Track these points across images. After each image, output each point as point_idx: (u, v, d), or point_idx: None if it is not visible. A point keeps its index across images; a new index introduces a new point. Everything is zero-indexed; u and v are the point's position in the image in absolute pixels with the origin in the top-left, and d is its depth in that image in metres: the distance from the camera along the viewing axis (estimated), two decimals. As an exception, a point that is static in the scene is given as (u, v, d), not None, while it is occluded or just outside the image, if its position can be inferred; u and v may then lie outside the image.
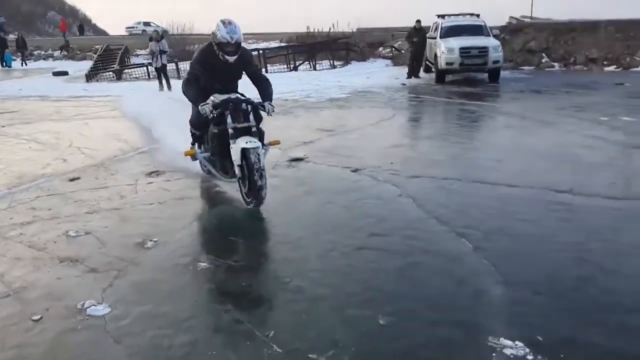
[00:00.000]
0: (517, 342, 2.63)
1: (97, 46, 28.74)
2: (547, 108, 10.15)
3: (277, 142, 5.09)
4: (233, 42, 4.57)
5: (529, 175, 5.52)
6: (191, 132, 5.36)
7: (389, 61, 21.38)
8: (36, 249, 3.95)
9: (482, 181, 5.40)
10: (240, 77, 4.96)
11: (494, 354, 2.56)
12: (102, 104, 12.54)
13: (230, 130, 4.50)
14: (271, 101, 4.78)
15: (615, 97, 11.36)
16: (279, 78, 17.23)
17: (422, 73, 16.96)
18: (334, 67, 20.63)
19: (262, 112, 4.75)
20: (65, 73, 22.73)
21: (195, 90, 4.70)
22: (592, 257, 3.61)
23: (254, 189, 4.41)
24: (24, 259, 3.80)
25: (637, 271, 3.41)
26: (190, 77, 4.79)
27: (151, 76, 19.41)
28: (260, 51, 20.21)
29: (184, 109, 9.70)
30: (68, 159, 6.91)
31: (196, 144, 5.38)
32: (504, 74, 15.41)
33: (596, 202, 4.70)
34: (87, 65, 24.23)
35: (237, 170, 4.52)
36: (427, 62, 16.91)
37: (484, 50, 14.21)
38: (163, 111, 8.71)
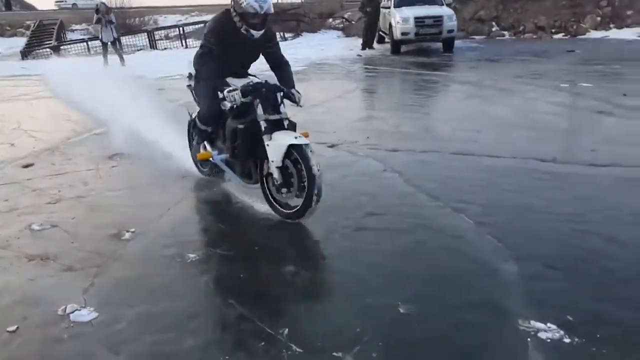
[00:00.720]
0: (549, 325, 2.49)
1: (28, 22, 26.91)
2: (506, 76, 10.18)
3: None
4: (262, 12, 3.70)
5: (507, 145, 5.45)
6: (197, 128, 4.25)
7: (340, 32, 21.06)
8: (-2, 247, 3.54)
9: (463, 152, 5.28)
10: (257, 58, 4.09)
11: (529, 339, 2.42)
12: (44, 83, 11.68)
13: (262, 124, 3.62)
14: (294, 87, 3.94)
15: (568, 64, 11.54)
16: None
17: (375, 44, 16.77)
18: (284, 39, 20.08)
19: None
20: (-5, 51, 21.20)
21: (214, 67, 3.82)
22: (594, 227, 3.53)
23: (309, 197, 3.47)
24: (-15, 259, 3.38)
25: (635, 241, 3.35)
26: (204, 51, 3.84)
27: (92, 52, 18.38)
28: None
29: (139, 86, 9.20)
30: (16, 144, 6.35)
31: (206, 144, 4.29)
32: (456, 43, 15.42)
33: (581, 170, 4.66)
34: (18, 42, 22.67)
35: (276, 173, 3.60)
36: (381, 33, 16.72)
37: (438, 20, 14.14)
38: (115, 88, 8.14)
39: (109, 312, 2.74)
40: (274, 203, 3.79)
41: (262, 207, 4.00)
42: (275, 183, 3.64)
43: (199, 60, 3.89)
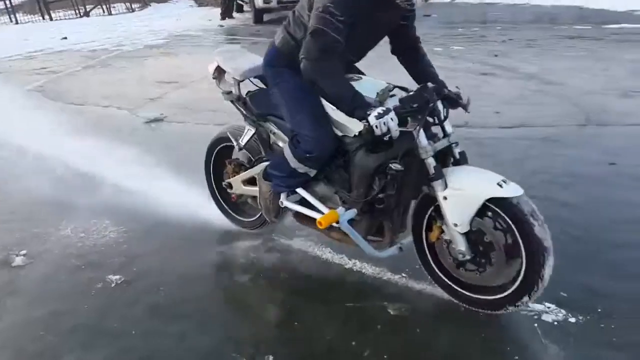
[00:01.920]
0: (547, 305, 2.35)
1: None
2: (381, 44, 10.19)
3: None
4: None
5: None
6: (289, 170, 2.45)
7: (192, 1, 19.85)
8: None
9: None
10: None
11: (536, 325, 2.25)
12: None
13: (431, 163, 2.14)
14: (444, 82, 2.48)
15: (432, 28, 11.87)
16: (72, 26, 14.93)
17: (235, 13, 16.04)
18: (132, 10, 18.48)
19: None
20: None
21: (341, 70, 2.26)
22: (539, 192, 3.45)
23: (530, 280, 2.11)
24: None
25: (588, 203, 3.35)
26: (326, 42, 2.11)
27: None
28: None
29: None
30: None
31: (309, 197, 2.54)
32: (318, 10, 15.25)
33: (495, 133, 4.68)
34: None
35: (461, 244, 2.19)
36: (239, 1, 16.00)
37: (301, -14, 13.78)
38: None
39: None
40: (449, 282, 2.37)
41: (175, 199, 3.41)
42: (461, 257, 2.24)
43: (318, 60, 2.13)
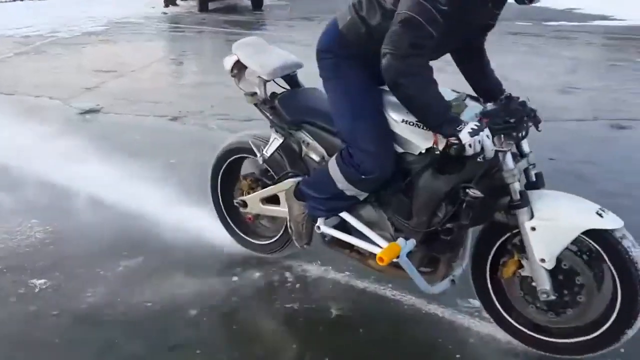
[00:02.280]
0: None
1: None
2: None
3: None
4: None
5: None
6: (334, 192, 2.07)
7: (135, -12, 19.17)
8: None
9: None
10: None
11: (477, 321, 2.24)
12: None
13: (516, 188, 1.84)
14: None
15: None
16: (2, 9, 14.20)
17: (179, 0, 15.61)
18: (70, -5, 17.67)
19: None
20: None
21: (436, 83, 1.80)
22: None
23: (622, 321, 1.83)
24: None
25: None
26: (420, 42, 1.73)
27: None
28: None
29: None
30: None
31: (365, 230, 2.13)
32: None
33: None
34: None
35: (545, 282, 1.85)
36: (182, -12, 15.57)
37: (247, -25, 13.52)
38: None
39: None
40: (518, 326, 2.07)
41: (107, 197, 3.20)
42: (544, 298, 1.88)
43: (408, 58, 1.73)
